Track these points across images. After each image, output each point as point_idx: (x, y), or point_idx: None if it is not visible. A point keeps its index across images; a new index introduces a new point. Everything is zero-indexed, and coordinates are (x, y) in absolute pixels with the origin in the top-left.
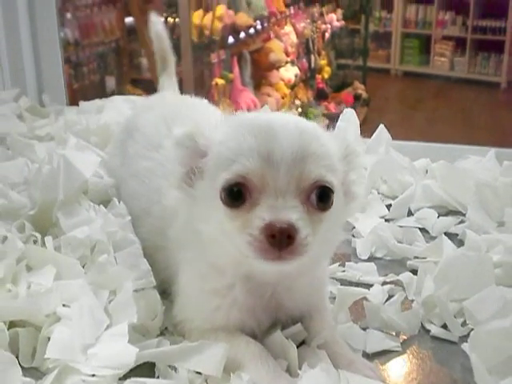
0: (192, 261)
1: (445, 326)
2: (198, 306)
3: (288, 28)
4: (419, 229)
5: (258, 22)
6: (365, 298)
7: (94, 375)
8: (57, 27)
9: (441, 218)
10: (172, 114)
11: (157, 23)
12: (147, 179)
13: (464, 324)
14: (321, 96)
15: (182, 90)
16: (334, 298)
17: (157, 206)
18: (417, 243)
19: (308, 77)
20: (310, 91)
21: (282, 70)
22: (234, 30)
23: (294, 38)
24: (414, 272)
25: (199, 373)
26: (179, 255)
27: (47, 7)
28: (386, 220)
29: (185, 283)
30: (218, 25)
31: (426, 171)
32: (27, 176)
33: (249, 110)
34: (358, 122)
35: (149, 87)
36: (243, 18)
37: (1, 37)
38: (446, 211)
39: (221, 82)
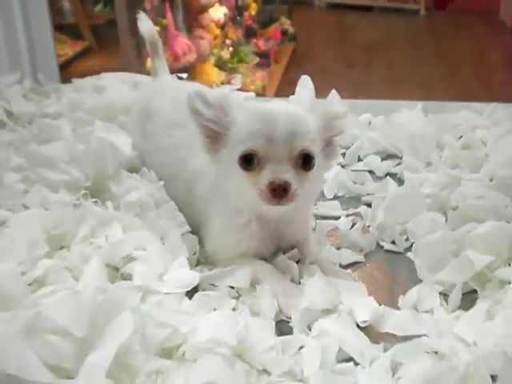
0: (219, 208)
1: (394, 242)
2: (225, 240)
3: None
4: (368, 171)
5: None
6: (336, 227)
7: (168, 293)
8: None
9: (383, 161)
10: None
11: (146, 23)
12: (172, 152)
13: (407, 240)
14: (249, 33)
15: (118, 39)
16: (315, 229)
17: (183, 172)
18: (367, 183)
19: (236, 15)
20: (239, 29)
21: (211, 10)
22: None
23: None
24: (369, 205)
25: (233, 287)
26: (206, 206)
27: None
28: (342, 166)
29: (214, 224)
30: None
31: (370, 123)
32: (72, 155)
33: (184, 54)
34: (313, 87)
35: (74, 32)
36: None
37: None
38: (387, 156)
39: (155, 28)
